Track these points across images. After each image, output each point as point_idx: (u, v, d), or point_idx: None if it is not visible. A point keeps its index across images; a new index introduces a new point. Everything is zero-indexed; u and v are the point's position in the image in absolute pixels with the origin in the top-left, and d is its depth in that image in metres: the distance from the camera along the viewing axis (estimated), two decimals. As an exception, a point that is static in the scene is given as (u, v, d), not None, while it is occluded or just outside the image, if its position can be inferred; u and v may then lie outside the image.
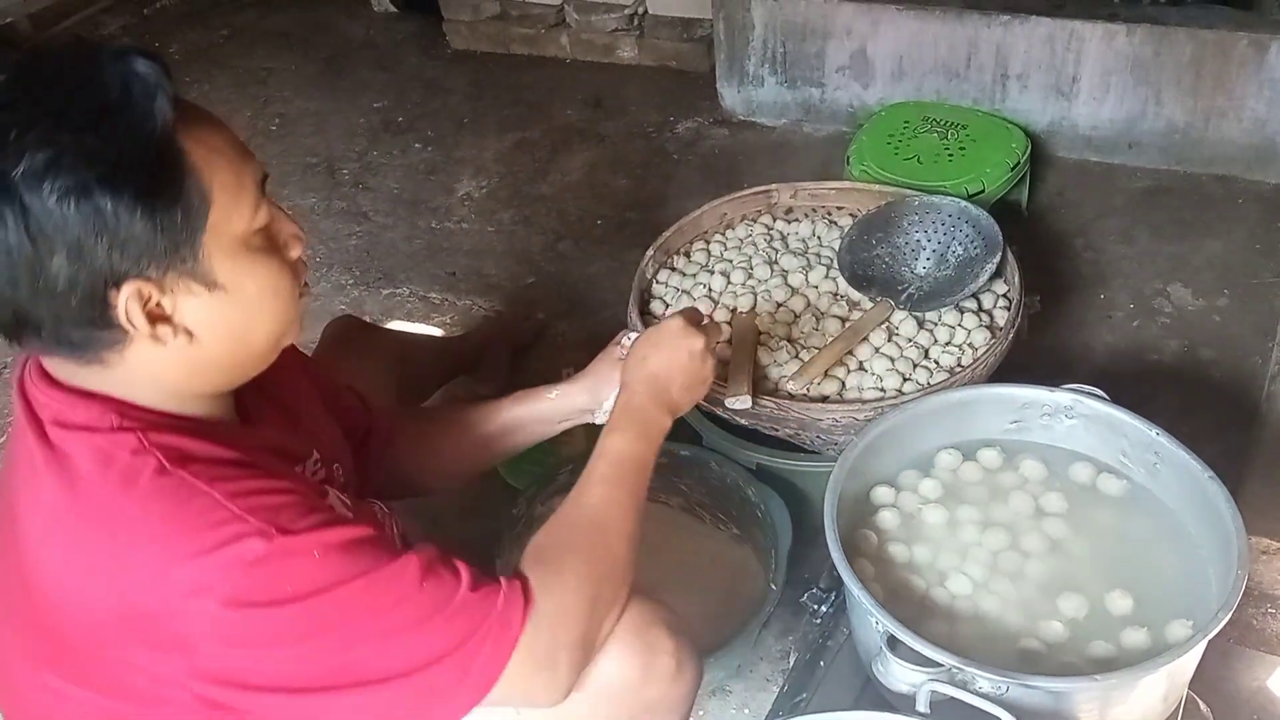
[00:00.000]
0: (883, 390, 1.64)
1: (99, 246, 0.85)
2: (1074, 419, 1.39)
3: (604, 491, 1.14)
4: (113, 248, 0.86)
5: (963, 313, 1.78)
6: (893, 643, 1.10)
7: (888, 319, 1.76)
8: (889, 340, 1.74)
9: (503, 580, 1.01)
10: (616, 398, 1.27)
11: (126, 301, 0.89)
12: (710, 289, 1.88)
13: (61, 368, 0.96)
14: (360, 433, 1.38)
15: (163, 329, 0.92)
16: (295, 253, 1.02)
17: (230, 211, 0.92)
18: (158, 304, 0.91)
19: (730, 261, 1.94)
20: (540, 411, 1.44)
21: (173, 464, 0.91)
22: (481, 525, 1.74)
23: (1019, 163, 2.33)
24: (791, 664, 1.48)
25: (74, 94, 0.85)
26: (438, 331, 2.33)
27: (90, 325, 0.90)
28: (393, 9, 3.59)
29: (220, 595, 0.88)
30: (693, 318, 1.31)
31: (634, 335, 1.44)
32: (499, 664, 0.97)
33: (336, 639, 0.93)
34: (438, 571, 0.98)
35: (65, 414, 0.94)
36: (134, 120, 0.86)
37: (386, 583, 0.95)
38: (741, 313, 1.81)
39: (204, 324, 0.94)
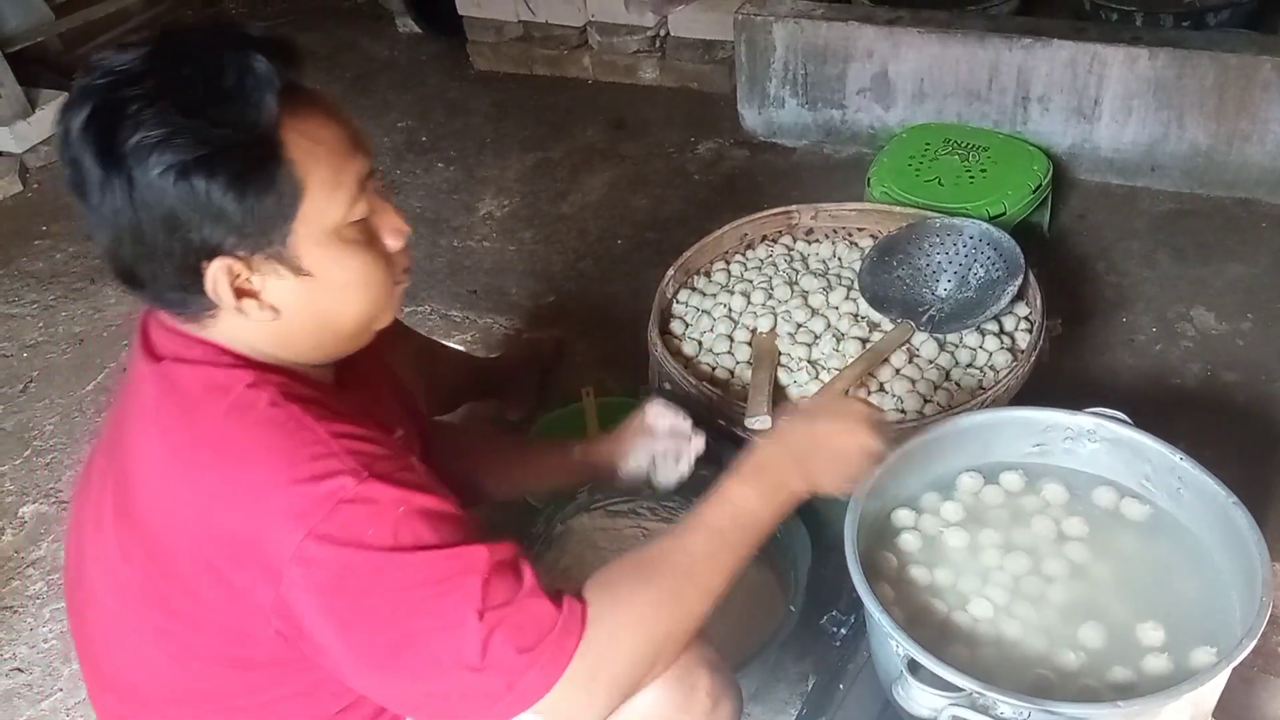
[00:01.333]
0: (903, 412, 1.64)
1: (192, 222, 0.92)
2: (1096, 443, 1.38)
3: (707, 540, 1.07)
4: (205, 225, 0.93)
5: (984, 335, 1.77)
6: (913, 666, 1.10)
7: (908, 340, 1.76)
8: (910, 362, 1.74)
9: (565, 599, 0.99)
10: (762, 442, 1.17)
11: (215, 275, 0.95)
12: (730, 309, 1.88)
13: (174, 319, 1.03)
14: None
15: (248, 303, 0.98)
16: (395, 245, 1.06)
17: (324, 204, 0.97)
18: (245, 280, 0.97)
19: (750, 282, 1.94)
20: (560, 466, 1.50)
21: (284, 399, 0.98)
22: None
23: (1041, 185, 2.32)
24: (810, 687, 1.47)
25: (194, 78, 0.92)
26: (459, 349, 2.34)
27: (184, 290, 0.97)
28: (417, 30, 3.63)
29: (308, 525, 0.92)
30: (879, 418, 1.20)
31: (660, 404, 1.49)
32: (546, 684, 0.96)
33: (396, 604, 0.94)
34: (505, 570, 0.98)
35: (185, 351, 1.01)
36: (240, 111, 0.92)
37: (456, 561, 0.95)
38: (761, 333, 1.82)
39: (289, 304, 1.00)
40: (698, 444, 1.50)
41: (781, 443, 1.16)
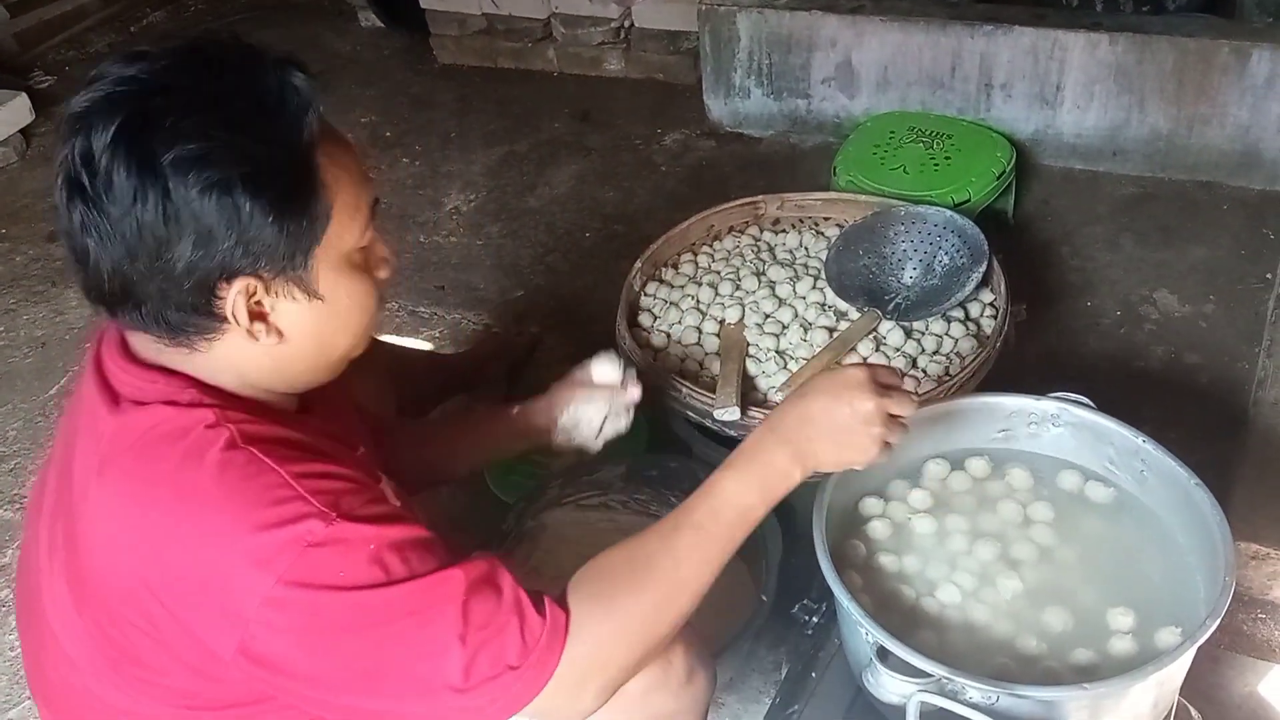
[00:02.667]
0: (871, 400, 1.65)
1: (227, 240, 0.90)
2: (1061, 427, 1.39)
3: (694, 538, 1.05)
4: (239, 244, 0.91)
5: (949, 322, 1.78)
6: (882, 653, 1.10)
7: (875, 329, 1.77)
8: (876, 350, 1.74)
9: (547, 609, 0.98)
10: (755, 429, 1.13)
11: (235, 295, 0.93)
12: (698, 301, 1.88)
13: (146, 346, 0.99)
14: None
15: (259, 326, 0.96)
16: (384, 274, 1.06)
17: (344, 229, 0.98)
18: (258, 302, 0.96)
19: (718, 273, 1.94)
20: (503, 428, 1.48)
21: (244, 440, 0.95)
22: (471, 538, 1.73)
23: (1004, 172, 2.34)
24: (783, 675, 1.47)
25: (233, 91, 0.90)
26: (428, 346, 2.33)
27: (193, 311, 0.94)
28: (379, 24, 3.60)
29: (277, 572, 0.90)
30: (884, 378, 1.13)
31: (601, 358, 1.47)
32: (530, 694, 0.96)
33: (375, 637, 0.93)
34: (483, 590, 0.97)
35: (144, 389, 0.98)
36: (285, 129, 0.91)
37: (433, 590, 0.95)
38: (729, 324, 1.82)
39: (295, 327, 0.99)
40: (632, 394, 1.50)
41: (770, 426, 1.11)
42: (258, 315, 0.96)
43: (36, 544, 1.06)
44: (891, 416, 1.11)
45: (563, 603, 1.00)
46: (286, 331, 0.98)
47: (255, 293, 0.95)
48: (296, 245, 0.94)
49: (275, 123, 0.91)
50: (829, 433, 1.09)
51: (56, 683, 1.08)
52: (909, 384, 1.67)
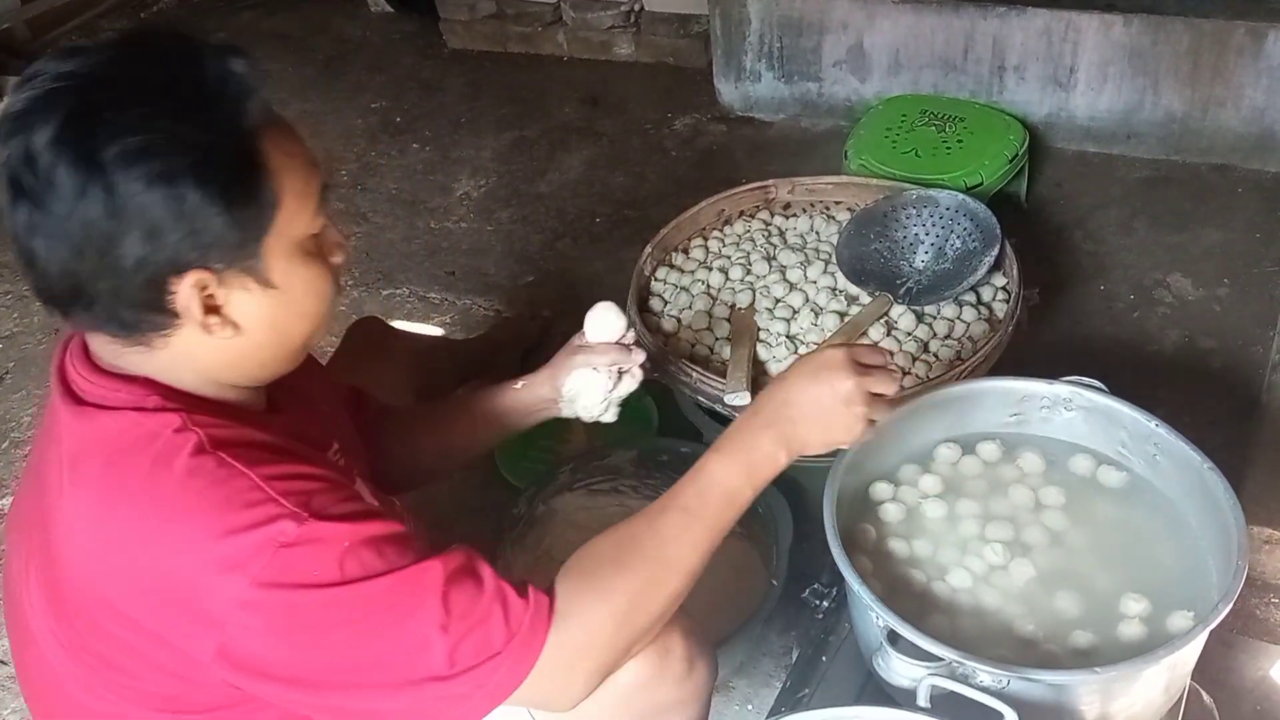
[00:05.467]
0: (882, 385, 1.64)
1: (174, 233, 0.88)
2: (1073, 411, 1.38)
3: (681, 521, 1.05)
4: (187, 236, 0.89)
5: (961, 306, 1.78)
6: (893, 638, 1.10)
7: (886, 313, 1.76)
8: (888, 334, 1.74)
9: (530, 594, 0.98)
10: (743, 413, 1.13)
11: (187, 289, 0.91)
12: (709, 286, 1.88)
13: (105, 349, 0.98)
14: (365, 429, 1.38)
15: (213, 319, 0.94)
16: (338, 259, 1.05)
17: (294, 216, 0.96)
18: (211, 295, 0.94)
19: (729, 258, 1.94)
20: (508, 403, 1.45)
21: (212, 445, 0.94)
22: (482, 524, 1.74)
23: (1017, 155, 2.32)
24: (794, 660, 1.48)
25: (173, 81, 0.88)
26: (438, 331, 2.33)
27: (145, 308, 0.92)
28: (389, 9, 3.59)
29: (250, 574, 0.89)
30: (864, 356, 1.13)
31: (600, 316, 1.42)
32: (514, 682, 0.96)
33: (355, 633, 0.93)
34: (462, 579, 0.96)
35: (109, 396, 0.96)
36: (227, 116, 0.89)
37: (411, 582, 0.94)
38: (740, 309, 1.82)
39: (250, 318, 0.97)
40: (637, 358, 1.43)
41: (754, 410, 1.12)
42: (211, 308, 0.94)
43: (17, 553, 1.05)
44: (875, 395, 1.11)
45: (548, 588, 1.00)
46: (242, 323, 0.96)
47: (207, 286, 0.92)
48: (246, 234, 0.92)
49: (217, 111, 0.89)
50: (811, 415, 1.10)
51: (44, 689, 1.08)
52: (920, 368, 1.66)
